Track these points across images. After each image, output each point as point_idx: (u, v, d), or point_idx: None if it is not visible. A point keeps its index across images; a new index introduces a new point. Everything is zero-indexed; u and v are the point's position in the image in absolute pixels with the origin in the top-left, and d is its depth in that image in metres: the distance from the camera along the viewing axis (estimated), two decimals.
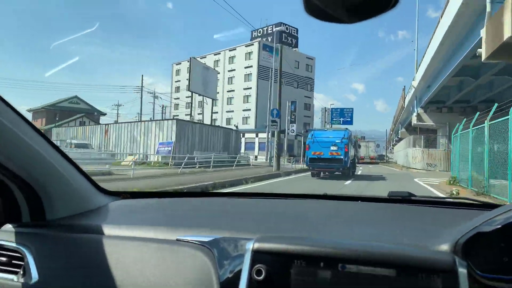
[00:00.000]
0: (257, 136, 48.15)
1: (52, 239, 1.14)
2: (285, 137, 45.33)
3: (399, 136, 54.05)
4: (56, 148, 1.21)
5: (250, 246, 0.92)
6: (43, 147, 1.13)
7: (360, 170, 27.24)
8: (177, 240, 1.07)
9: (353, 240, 0.97)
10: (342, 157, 16.51)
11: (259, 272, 0.87)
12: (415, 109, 31.64)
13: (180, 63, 66.55)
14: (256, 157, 43.88)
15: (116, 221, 1.26)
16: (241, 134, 38.20)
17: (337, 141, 16.72)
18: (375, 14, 0.48)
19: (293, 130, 45.99)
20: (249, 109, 55.02)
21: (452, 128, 20.31)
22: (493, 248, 0.88)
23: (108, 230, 1.16)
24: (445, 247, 0.90)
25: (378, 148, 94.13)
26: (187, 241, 1.05)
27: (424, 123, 31.26)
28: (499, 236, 0.87)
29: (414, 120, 31.37)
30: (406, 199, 1.56)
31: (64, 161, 1.24)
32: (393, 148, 72.64)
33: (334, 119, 47.32)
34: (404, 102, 39.38)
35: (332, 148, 16.58)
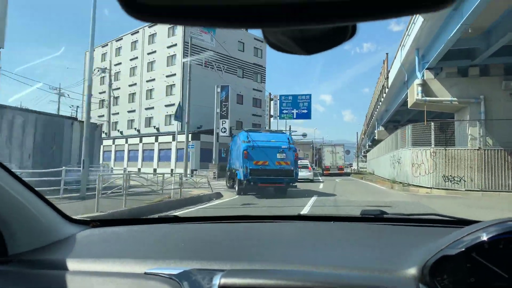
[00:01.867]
0: (174, 140, 32.30)
1: (14, 276, 1.09)
2: (216, 139, 30.35)
3: (376, 137, 39.82)
4: (15, 176, 1.17)
5: (217, 281, 0.93)
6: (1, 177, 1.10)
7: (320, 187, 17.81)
8: (145, 273, 1.05)
9: (324, 266, 1.04)
10: (291, 167, 13.47)
11: None
12: (417, 74, 16.99)
13: None
14: (172, 171, 27.57)
15: (82, 253, 1.23)
16: (101, 129, 21.99)
17: (283, 146, 13.57)
18: (333, 46, 0.48)
19: (224, 129, 30.27)
20: (173, 104, 38.98)
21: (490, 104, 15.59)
22: (460, 269, 0.90)
23: (73, 264, 1.13)
24: (412, 271, 0.93)
25: (348, 156, 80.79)
26: (155, 275, 1.04)
27: (437, 99, 16.69)
28: (466, 257, 0.89)
29: (415, 95, 16.72)
30: (378, 217, 1.58)
31: (25, 190, 1.20)
32: (365, 154, 58.83)
33: (285, 111, 32.52)
34: (387, 76, 24.57)
35: (279, 156, 13.42)
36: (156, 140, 38.55)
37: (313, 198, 12.57)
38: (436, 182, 16.45)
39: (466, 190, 15.62)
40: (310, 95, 32.59)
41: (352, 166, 60.74)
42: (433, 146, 16.83)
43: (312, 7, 0.40)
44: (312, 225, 1.64)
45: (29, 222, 1.19)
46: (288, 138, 14.24)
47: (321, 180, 27.32)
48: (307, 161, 29.36)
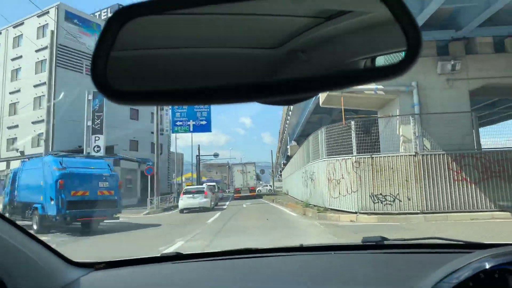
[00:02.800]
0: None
1: None
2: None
3: (289, 154, 35.62)
4: (14, 224, 1.16)
5: None
6: None
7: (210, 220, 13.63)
8: None
9: None
10: (115, 197, 12.35)
11: None
12: None
13: None
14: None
15: None
16: None
17: (105, 174, 12.37)
18: (310, 98, 0.60)
19: (98, 147, 22.95)
20: (42, 120, 30.18)
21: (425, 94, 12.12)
22: None
23: None
24: None
25: (263, 175, 76.56)
26: None
27: (356, 89, 12.15)
28: (465, 285, 0.91)
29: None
30: (379, 244, 1.57)
31: (25, 238, 1.19)
32: (281, 173, 54.98)
33: (178, 123, 25.97)
34: None
35: (102, 184, 12.06)
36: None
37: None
38: (363, 204, 11.57)
39: (401, 214, 10.98)
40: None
41: (267, 187, 56.40)
42: (355, 153, 12.07)
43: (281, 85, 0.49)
44: (313, 257, 1.63)
45: (31, 269, 1.17)
46: (108, 165, 13.14)
47: (224, 207, 21.63)
48: (205, 185, 23.85)
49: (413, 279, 1.08)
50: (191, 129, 25.81)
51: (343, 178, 12.41)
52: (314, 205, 14.86)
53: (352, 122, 12.37)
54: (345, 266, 1.43)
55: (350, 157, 12.11)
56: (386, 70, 0.49)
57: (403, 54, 0.48)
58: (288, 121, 29.88)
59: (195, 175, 53.71)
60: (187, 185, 35.02)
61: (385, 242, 1.57)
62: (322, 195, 14.16)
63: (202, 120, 25.67)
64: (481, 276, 0.90)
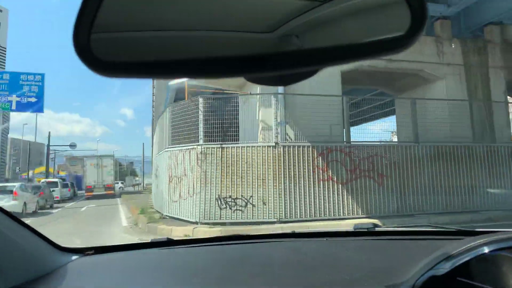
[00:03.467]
0: None
1: None
2: None
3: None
4: (0, 209, 1.16)
5: None
6: None
7: None
8: None
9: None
10: None
11: None
12: None
13: None
14: None
15: (74, 285, 1.22)
16: None
17: None
18: (308, 77, 0.51)
19: None
20: None
21: None
22: (451, 283, 0.91)
23: None
24: None
25: (133, 169, 69.74)
26: None
27: None
28: (454, 274, 0.91)
29: None
30: (371, 231, 1.57)
31: (12, 223, 1.19)
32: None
33: None
34: None
35: None
36: None
37: None
38: (207, 210, 8.45)
39: (254, 223, 8.23)
40: (43, 74, 20.26)
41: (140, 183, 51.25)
42: (202, 141, 8.93)
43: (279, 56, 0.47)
44: (305, 243, 1.62)
45: (18, 255, 1.17)
46: None
47: (53, 212, 16.90)
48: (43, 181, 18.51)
49: (405, 264, 1.10)
50: (14, 107, 19.29)
51: (185, 175, 9.16)
52: (157, 211, 11.36)
53: (201, 100, 9.18)
54: (337, 252, 1.43)
55: (195, 146, 8.92)
56: (388, 43, 0.45)
57: (408, 25, 0.44)
58: (154, 107, 25.77)
59: (52, 169, 45.79)
60: (38, 181, 28.85)
61: (377, 229, 1.58)
62: (162, 198, 10.71)
63: (30, 97, 19.29)
64: (472, 262, 0.93)
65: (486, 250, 0.92)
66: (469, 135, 10.82)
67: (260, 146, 8.75)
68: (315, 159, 8.74)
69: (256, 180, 8.50)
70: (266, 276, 1.22)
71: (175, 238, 1.70)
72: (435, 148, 9.69)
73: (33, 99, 19.69)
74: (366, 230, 1.58)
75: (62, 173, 51.07)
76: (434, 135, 9.95)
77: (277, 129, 8.82)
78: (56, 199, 22.16)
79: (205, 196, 8.54)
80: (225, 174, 8.57)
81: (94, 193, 27.11)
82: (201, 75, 0.47)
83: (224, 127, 9.10)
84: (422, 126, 9.87)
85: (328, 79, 9.69)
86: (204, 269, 1.35)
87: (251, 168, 8.57)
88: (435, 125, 10.02)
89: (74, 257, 1.42)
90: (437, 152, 9.65)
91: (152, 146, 21.08)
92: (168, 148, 10.25)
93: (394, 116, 13.26)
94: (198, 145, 8.86)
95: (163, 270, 1.36)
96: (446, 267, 0.91)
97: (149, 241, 1.65)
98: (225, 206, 8.48)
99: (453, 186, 9.52)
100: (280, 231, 1.67)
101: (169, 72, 0.46)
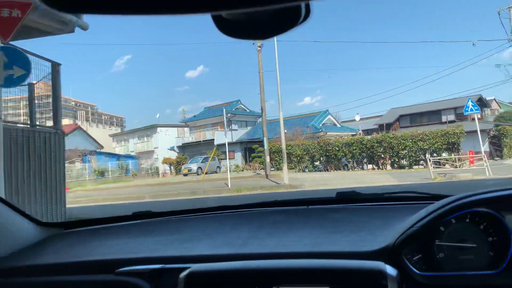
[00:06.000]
0: None
1: None
2: None
3: None
4: None
5: (183, 277, 0.95)
6: None
7: None
8: (115, 273, 1.08)
9: (298, 252, 1.05)
10: None
11: None
12: None
13: None
14: None
15: (53, 257, 1.23)
16: None
17: None
18: (288, 28, 0.47)
19: None
20: None
21: None
22: (428, 246, 0.93)
23: (44, 269, 1.15)
24: (381, 251, 0.97)
25: None
26: (126, 273, 1.07)
27: None
28: (432, 233, 0.94)
29: None
30: (353, 198, 1.60)
31: None
32: None
33: None
34: None
35: None
36: None
37: None
38: None
39: None
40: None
41: None
42: None
43: None
44: (288, 210, 1.62)
45: None
46: None
47: None
48: None
49: (385, 228, 1.13)
50: None
51: None
52: None
53: None
54: (319, 218, 1.42)
55: None
56: None
57: None
58: None
59: None
60: None
61: (359, 197, 1.60)
62: None
63: None
64: (452, 222, 0.94)
65: (463, 208, 0.93)
66: None
67: None
68: None
69: None
70: (247, 239, 1.21)
71: (159, 211, 1.71)
72: None
73: None
74: (348, 197, 1.60)
75: None
76: None
77: None
78: None
79: None
80: None
81: None
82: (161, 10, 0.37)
83: None
84: None
85: None
86: (184, 235, 1.35)
87: None
88: None
89: (54, 232, 1.45)
90: None
91: None
92: None
93: None
94: None
95: (144, 239, 1.35)
96: (424, 228, 0.92)
97: (131, 214, 1.65)
98: None
99: None
100: (263, 201, 1.73)
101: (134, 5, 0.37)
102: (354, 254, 0.97)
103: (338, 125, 36.94)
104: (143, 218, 1.65)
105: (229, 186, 14.77)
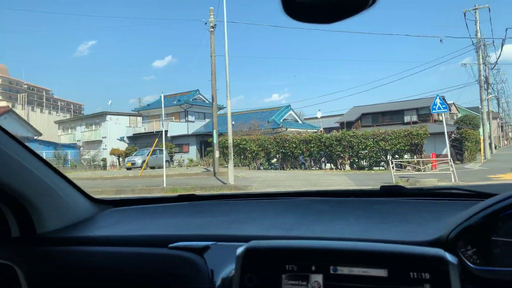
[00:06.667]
0: None
1: (43, 253, 1.16)
2: None
3: None
4: (42, 160, 1.21)
5: (241, 252, 0.93)
6: (26, 159, 1.13)
7: None
8: (169, 248, 1.08)
9: (345, 239, 1.02)
10: None
11: (251, 279, 0.89)
12: None
13: None
14: None
15: (107, 231, 1.28)
16: None
17: None
18: (355, 13, 0.48)
19: None
20: None
21: None
22: (485, 241, 0.91)
23: (99, 241, 1.18)
24: (435, 242, 0.96)
25: None
26: (179, 249, 1.07)
27: None
28: (488, 228, 0.91)
29: None
30: (398, 192, 1.59)
31: (51, 173, 1.25)
32: None
33: None
34: None
35: None
36: None
37: None
38: None
39: None
40: None
41: None
42: None
43: None
44: (331, 200, 1.61)
45: (55, 203, 1.24)
46: None
47: None
48: None
49: (433, 221, 1.11)
50: None
51: None
52: None
53: None
54: (365, 209, 1.41)
55: None
56: None
57: None
58: None
59: None
60: None
61: (404, 191, 1.58)
62: None
63: None
64: (506, 219, 0.92)
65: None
66: None
67: None
68: None
69: None
70: (297, 225, 1.21)
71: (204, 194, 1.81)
72: None
73: None
74: (393, 191, 1.58)
75: None
76: None
77: None
78: None
79: None
80: None
81: None
82: None
83: None
84: None
85: None
86: (236, 217, 1.36)
87: None
88: None
89: (105, 208, 1.52)
90: None
91: None
92: None
93: None
94: None
95: (195, 218, 1.39)
96: (480, 222, 0.90)
97: (176, 195, 1.71)
98: None
99: None
100: (310, 190, 1.58)
101: None
102: (407, 243, 0.96)
103: (300, 122, 35.66)
104: (188, 200, 1.69)
105: (164, 185, 12.72)
